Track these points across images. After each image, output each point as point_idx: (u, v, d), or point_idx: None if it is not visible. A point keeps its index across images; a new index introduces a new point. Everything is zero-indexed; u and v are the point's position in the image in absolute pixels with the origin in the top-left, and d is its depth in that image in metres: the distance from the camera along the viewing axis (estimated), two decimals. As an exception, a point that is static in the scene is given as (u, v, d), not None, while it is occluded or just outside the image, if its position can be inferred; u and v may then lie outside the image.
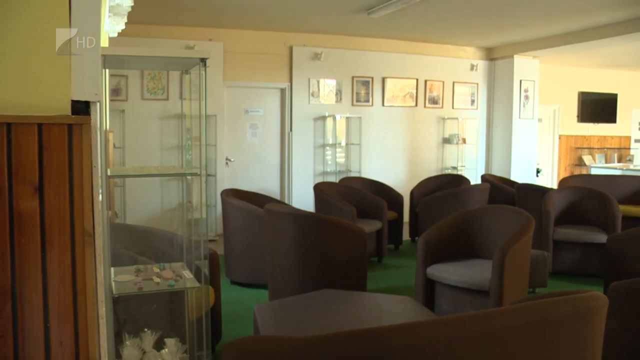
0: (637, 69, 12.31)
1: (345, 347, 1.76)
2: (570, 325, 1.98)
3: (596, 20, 7.76)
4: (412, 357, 1.76)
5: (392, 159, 9.57)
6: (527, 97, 10.07)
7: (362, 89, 9.20)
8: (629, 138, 12.85)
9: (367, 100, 9.26)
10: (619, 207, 6.21)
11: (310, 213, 4.89)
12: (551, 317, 1.94)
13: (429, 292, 4.51)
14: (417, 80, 9.60)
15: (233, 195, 5.78)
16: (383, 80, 9.34)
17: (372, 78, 9.26)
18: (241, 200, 5.62)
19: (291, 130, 8.80)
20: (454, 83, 9.93)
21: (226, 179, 8.42)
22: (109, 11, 4.84)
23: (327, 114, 8.93)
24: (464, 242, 4.72)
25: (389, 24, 7.96)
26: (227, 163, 8.53)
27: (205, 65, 2.69)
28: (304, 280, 4.39)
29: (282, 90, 8.82)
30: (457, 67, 9.96)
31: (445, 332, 1.82)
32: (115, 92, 7.71)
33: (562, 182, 8.11)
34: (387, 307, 3.53)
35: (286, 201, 8.72)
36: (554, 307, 1.97)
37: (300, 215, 4.57)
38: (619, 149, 12.70)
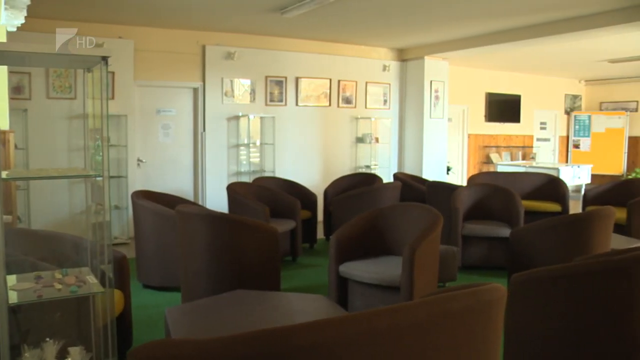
0: (537, 72, 13.01)
1: (253, 347, 1.75)
2: (471, 316, 2.05)
3: (501, 25, 8.09)
4: (320, 354, 1.77)
5: (306, 158, 9.61)
6: (437, 97, 10.36)
7: (275, 89, 9.19)
8: (531, 137, 13.57)
9: (281, 100, 9.25)
10: (521, 202, 6.50)
11: (222, 213, 4.83)
12: (453, 310, 2.00)
13: (342, 290, 4.56)
14: (330, 80, 9.69)
15: (144, 196, 5.62)
16: (297, 80, 9.36)
17: (286, 78, 9.27)
18: (152, 202, 5.47)
19: (204, 130, 8.66)
20: (366, 83, 10.09)
21: (138, 181, 8.18)
22: (6, 3, 4.60)
23: (240, 114, 8.85)
24: (375, 239, 4.80)
25: (302, 24, 7.99)
26: (138, 164, 8.30)
27: (106, 63, 2.60)
28: (216, 282, 4.33)
29: (195, 90, 8.67)
30: (370, 67, 10.13)
31: (351, 328, 1.83)
32: (16, 90, 7.32)
33: (471, 180, 8.41)
34: (300, 307, 3.54)
35: (200, 202, 8.59)
36: (456, 300, 2.03)
37: (211, 216, 4.51)
38: (523, 147, 13.35)
